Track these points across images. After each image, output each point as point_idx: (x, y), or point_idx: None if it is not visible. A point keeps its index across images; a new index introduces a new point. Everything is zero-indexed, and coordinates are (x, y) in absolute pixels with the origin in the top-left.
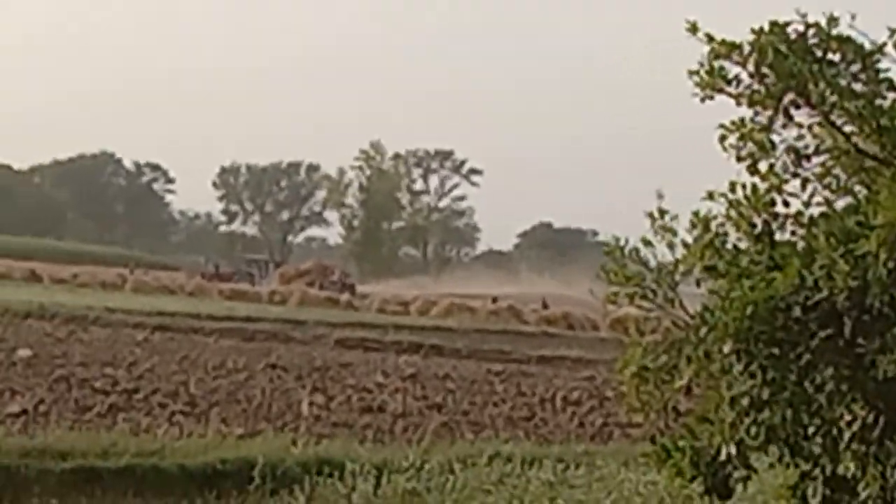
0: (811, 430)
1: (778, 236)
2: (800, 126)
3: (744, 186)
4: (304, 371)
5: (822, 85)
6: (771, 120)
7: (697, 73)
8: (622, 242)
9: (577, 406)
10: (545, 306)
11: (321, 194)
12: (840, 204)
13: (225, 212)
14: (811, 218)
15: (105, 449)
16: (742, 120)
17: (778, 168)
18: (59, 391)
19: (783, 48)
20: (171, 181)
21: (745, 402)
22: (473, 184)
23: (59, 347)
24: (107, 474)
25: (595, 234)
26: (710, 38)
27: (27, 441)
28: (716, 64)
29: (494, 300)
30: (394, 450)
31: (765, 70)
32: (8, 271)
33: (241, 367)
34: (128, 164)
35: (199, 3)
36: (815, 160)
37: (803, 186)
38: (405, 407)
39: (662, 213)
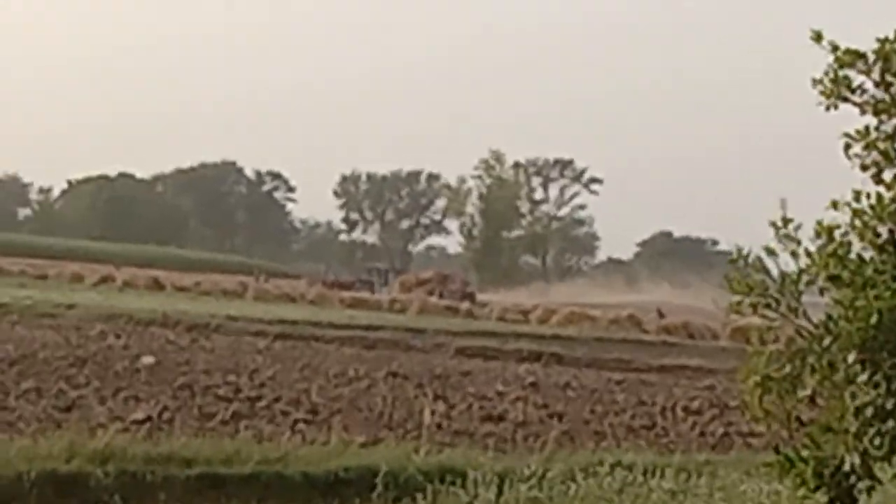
0: None
1: None
2: None
3: (868, 196)
4: (424, 379)
5: None
6: None
7: (822, 81)
8: (745, 251)
9: (698, 415)
10: (661, 315)
11: (441, 203)
12: None
13: (345, 220)
14: None
15: (229, 456)
16: (867, 129)
17: None
18: (183, 398)
19: None
20: (291, 190)
21: (869, 412)
22: (593, 192)
23: (182, 355)
24: (231, 481)
25: (715, 243)
26: (835, 48)
27: (152, 447)
28: (840, 73)
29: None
30: (515, 458)
31: (889, 78)
32: (131, 279)
33: (363, 375)
34: (249, 172)
35: (320, 13)
36: None
37: None
38: (526, 416)
39: (786, 221)
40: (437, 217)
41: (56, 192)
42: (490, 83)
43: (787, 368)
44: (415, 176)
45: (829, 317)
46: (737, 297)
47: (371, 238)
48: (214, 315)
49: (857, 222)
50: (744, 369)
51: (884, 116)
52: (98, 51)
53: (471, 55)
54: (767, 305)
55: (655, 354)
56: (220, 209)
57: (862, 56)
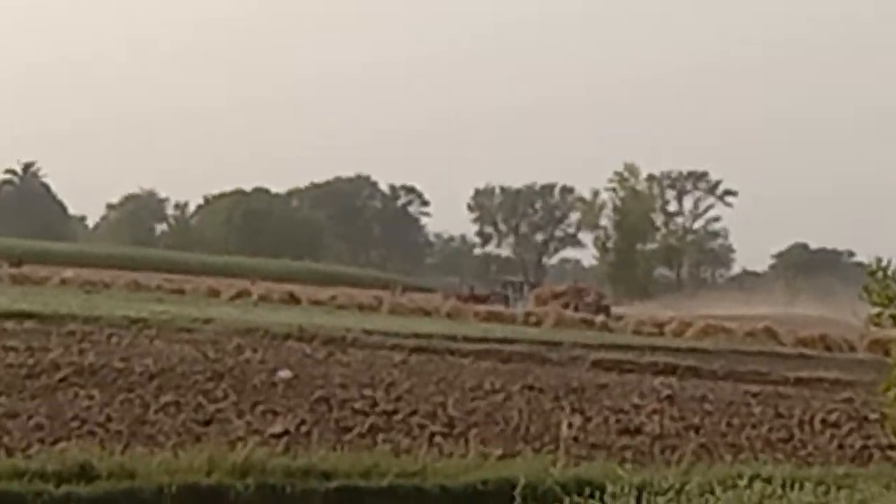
0: None
1: None
2: None
3: None
4: (560, 392)
5: None
6: None
7: None
8: (884, 263)
9: (836, 428)
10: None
11: (575, 216)
12: None
13: (479, 234)
14: None
15: (367, 469)
16: None
17: None
18: (320, 412)
19: None
20: (426, 203)
21: None
22: (728, 205)
23: (319, 369)
24: (369, 494)
25: (852, 254)
26: None
27: (290, 461)
28: None
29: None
30: (652, 471)
31: None
32: (267, 293)
33: (499, 389)
34: (384, 186)
35: (453, 32)
36: None
37: None
38: (662, 428)
39: None
40: (572, 230)
41: (192, 208)
42: (624, 96)
43: None
44: (549, 189)
45: None
46: (876, 309)
47: (505, 251)
48: (350, 329)
49: None
50: (884, 381)
51: None
52: (236, 69)
53: (605, 69)
54: None
55: (792, 367)
56: (355, 223)
57: None
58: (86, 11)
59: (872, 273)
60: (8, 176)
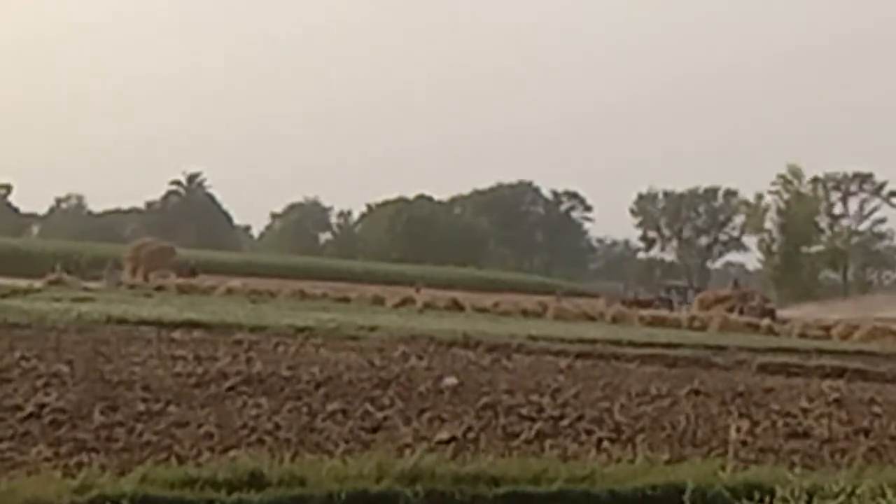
0: None
1: None
2: None
3: None
4: (727, 396)
5: None
6: None
7: None
8: None
9: None
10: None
11: (739, 220)
12: None
13: (643, 238)
14: None
15: (536, 475)
16: None
17: None
18: (486, 418)
19: None
20: (588, 209)
21: None
22: (894, 206)
23: (484, 375)
24: (538, 500)
25: None
26: None
27: (459, 467)
28: None
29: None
30: (822, 475)
31: None
32: (432, 301)
33: (665, 394)
34: (546, 192)
35: (610, 31)
36: None
37: None
38: (831, 432)
39: None
40: (736, 233)
41: (356, 216)
42: (787, 97)
43: None
44: (712, 193)
45: None
46: None
47: (669, 256)
48: (515, 335)
49: None
50: None
51: None
52: (390, 77)
53: (763, 68)
54: None
55: None
56: (518, 229)
57: None
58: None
59: None
60: (174, 186)
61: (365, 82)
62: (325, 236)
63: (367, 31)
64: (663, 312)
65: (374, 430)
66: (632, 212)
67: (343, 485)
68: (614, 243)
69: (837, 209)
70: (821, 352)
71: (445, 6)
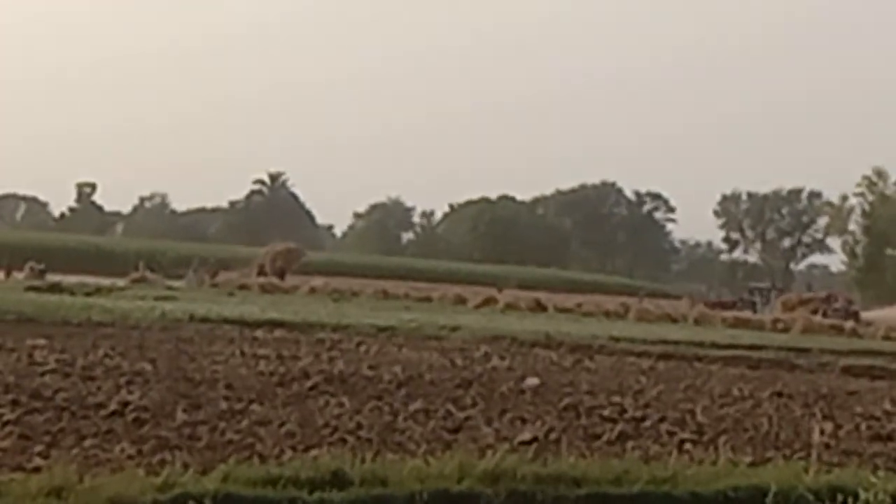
0: None
1: None
2: None
3: None
4: (810, 399)
5: None
6: None
7: None
8: None
9: None
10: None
11: (823, 221)
12: None
13: (726, 240)
14: None
15: (617, 476)
16: None
17: None
18: (568, 419)
19: None
20: (671, 210)
21: None
22: None
23: (566, 376)
24: (620, 501)
25: None
26: None
27: (540, 468)
28: None
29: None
30: None
31: None
32: (515, 301)
33: (747, 395)
34: (629, 193)
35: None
36: None
37: None
38: None
39: None
40: (819, 235)
41: (438, 216)
42: (871, 99)
43: None
44: (796, 194)
45: None
46: None
47: (752, 257)
48: (597, 336)
49: None
50: None
51: None
52: (484, 78)
53: (852, 72)
54: None
55: None
56: (601, 230)
57: None
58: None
59: None
60: (257, 186)
61: (447, 85)
62: (407, 236)
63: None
64: (746, 314)
65: (456, 430)
66: (715, 213)
67: (424, 485)
68: (697, 245)
69: None
70: None
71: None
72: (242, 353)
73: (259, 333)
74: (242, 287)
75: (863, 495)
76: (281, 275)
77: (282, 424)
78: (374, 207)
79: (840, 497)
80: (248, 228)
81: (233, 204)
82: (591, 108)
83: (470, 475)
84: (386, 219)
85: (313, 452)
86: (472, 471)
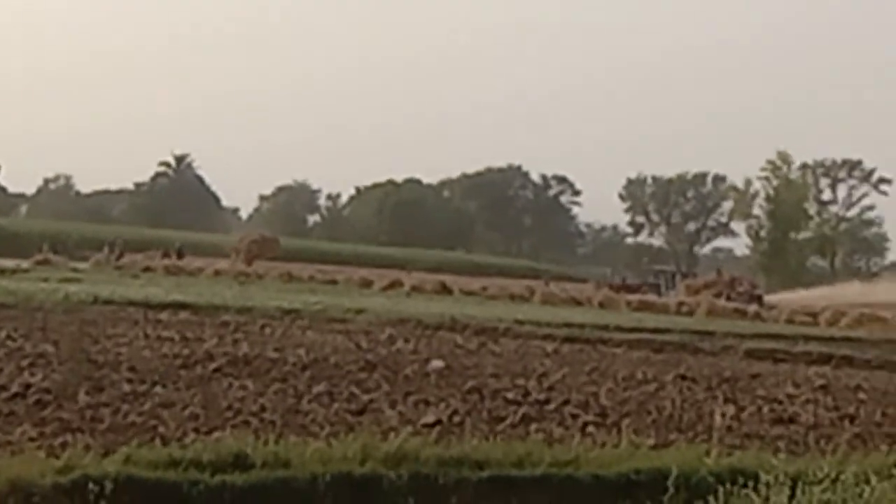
0: None
1: None
2: None
3: None
4: (713, 382)
5: None
6: None
7: None
8: None
9: None
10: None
11: (728, 205)
12: None
13: (631, 223)
14: None
15: (520, 458)
16: None
17: None
18: (472, 402)
19: None
20: (577, 194)
21: None
22: (883, 193)
23: (471, 359)
24: (522, 483)
25: None
26: None
27: (443, 450)
28: None
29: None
30: (807, 461)
31: None
32: (420, 284)
33: (651, 378)
34: (535, 177)
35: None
36: None
37: None
38: (817, 418)
39: None
40: (724, 219)
41: (344, 199)
42: (775, 82)
43: None
44: (701, 178)
45: None
46: None
47: (657, 241)
48: (502, 319)
49: None
50: None
51: None
52: (378, 58)
53: (754, 53)
54: None
55: None
56: (507, 213)
57: None
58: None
59: None
60: (162, 168)
61: (354, 64)
62: (313, 219)
63: (351, 9)
64: (651, 297)
65: (360, 412)
66: (620, 197)
67: (327, 467)
68: (603, 228)
69: (826, 196)
70: (808, 338)
71: None
72: (146, 336)
73: (163, 316)
74: (147, 269)
75: (764, 478)
76: (250, 262)
77: (185, 407)
78: (280, 190)
79: (741, 479)
80: (154, 210)
81: (138, 186)
82: (497, 92)
83: (372, 457)
84: (292, 201)
85: (216, 435)
86: (375, 453)
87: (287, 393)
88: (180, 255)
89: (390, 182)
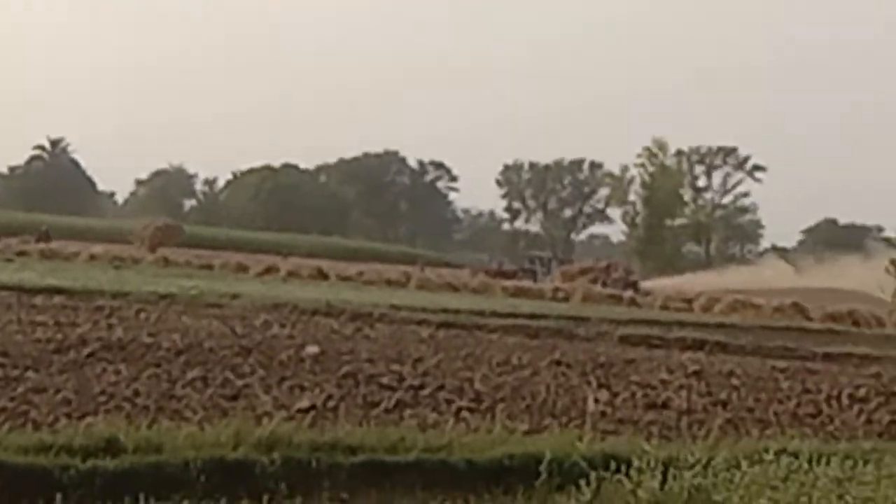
0: None
1: None
2: None
3: None
4: (588, 368)
5: None
6: None
7: None
8: None
9: (864, 403)
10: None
11: (604, 192)
12: None
13: (508, 209)
14: None
15: (393, 444)
16: None
17: None
18: (347, 387)
19: None
20: (454, 179)
21: None
22: (757, 180)
23: (346, 344)
24: (395, 469)
25: (881, 230)
26: None
27: (317, 435)
28: None
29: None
30: (679, 446)
31: None
32: (296, 269)
33: (526, 364)
34: (412, 162)
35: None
36: None
37: None
38: (690, 404)
39: None
40: (600, 206)
41: (221, 183)
42: (652, 70)
43: None
44: (577, 164)
45: None
46: None
47: (534, 227)
48: (378, 304)
49: None
50: None
51: None
52: (259, 40)
53: (632, 40)
54: None
55: (820, 342)
56: (384, 199)
57: None
58: None
59: None
60: (37, 152)
61: (228, 49)
62: (189, 203)
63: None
64: (527, 283)
65: (234, 397)
66: (497, 183)
67: (199, 452)
68: (479, 214)
69: (701, 183)
70: (682, 324)
71: None
72: (19, 320)
73: (37, 300)
74: (21, 253)
75: (636, 463)
76: (153, 249)
77: (57, 392)
78: (156, 174)
79: (613, 464)
80: (28, 194)
81: (12, 170)
82: (371, 77)
83: (245, 442)
84: (168, 186)
85: (88, 420)
86: (248, 438)
87: (161, 378)
88: (47, 238)
89: (267, 167)
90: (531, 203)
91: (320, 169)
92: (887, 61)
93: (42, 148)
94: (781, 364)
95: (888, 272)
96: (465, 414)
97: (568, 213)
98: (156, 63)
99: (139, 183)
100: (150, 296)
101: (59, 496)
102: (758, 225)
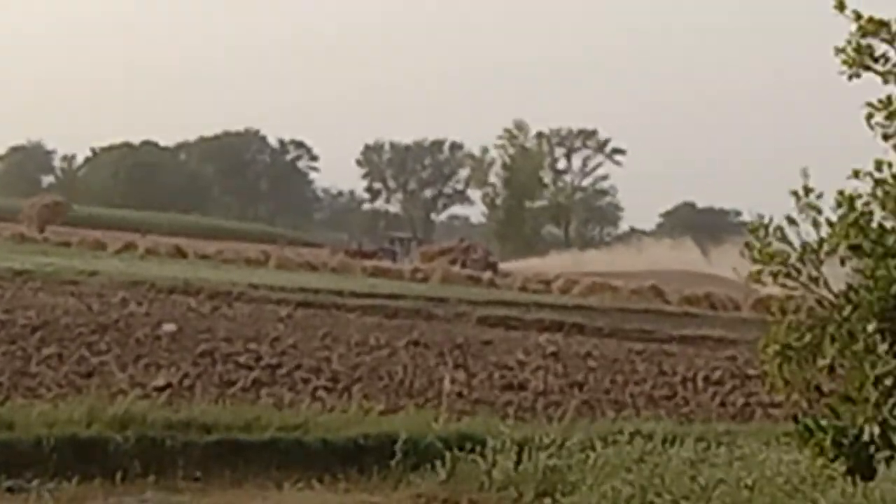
0: None
1: None
2: None
3: (890, 165)
4: (445, 348)
5: None
6: None
7: (844, 50)
8: (766, 220)
9: (719, 385)
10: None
11: (464, 173)
12: None
13: (368, 189)
14: None
15: (249, 423)
16: (889, 98)
17: None
18: (204, 366)
19: None
20: (314, 158)
21: (888, 381)
22: (616, 163)
23: (204, 323)
24: (250, 447)
25: (738, 214)
26: (858, 16)
27: (172, 414)
28: (863, 42)
29: None
30: (535, 427)
31: None
32: (154, 247)
33: (384, 344)
34: (272, 141)
35: None
36: None
37: None
38: (546, 385)
39: (808, 190)
40: (460, 187)
41: (80, 160)
42: (512, 51)
43: (808, 338)
44: (438, 145)
45: (850, 286)
46: (757, 267)
47: (394, 207)
48: (236, 283)
49: (879, 191)
50: (764, 338)
51: None
52: (122, 15)
53: (493, 23)
54: (788, 275)
55: (677, 325)
56: (244, 177)
57: (885, 25)
58: None
59: (754, 230)
60: None
61: (89, 20)
62: (48, 179)
63: None
64: (386, 264)
65: (89, 375)
66: (358, 163)
67: (52, 429)
68: (340, 194)
69: (561, 165)
70: (540, 306)
71: None
72: None
73: None
74: None
75: (491, 442)
76: (42, 227)
77: None
78: (13, 150)
79: (469, 445)
80: None
81: None
82: (235, 54)
83: (99, 420)
84: (26, 162)
85: None
86: (102, 416)
87: (15, 355)
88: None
89: (126, 144)
90: (391, 183)
91: (180, 147)
92: (744, 45)
93: None
94: (638, 346)
95: (743, 255)
96: (321, 393)
97: (428, 193)
98: (11, 37)
99: None
100: (6, 272)
101: None
102: (617, 208)
